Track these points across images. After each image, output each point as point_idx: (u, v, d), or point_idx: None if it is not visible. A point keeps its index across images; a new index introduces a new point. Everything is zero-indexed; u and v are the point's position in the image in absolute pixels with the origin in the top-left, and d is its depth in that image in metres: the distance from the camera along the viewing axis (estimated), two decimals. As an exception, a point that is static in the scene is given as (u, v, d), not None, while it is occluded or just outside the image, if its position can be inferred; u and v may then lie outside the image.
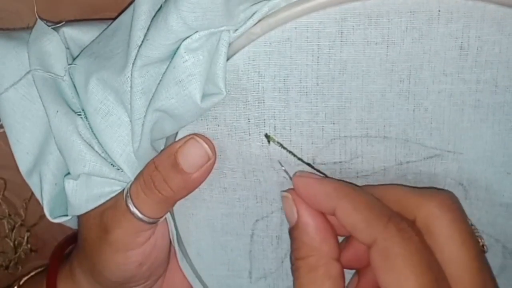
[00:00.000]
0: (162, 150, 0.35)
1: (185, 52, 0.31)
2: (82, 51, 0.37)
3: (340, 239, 0.33)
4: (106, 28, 0.38)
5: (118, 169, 0.36)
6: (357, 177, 0.34)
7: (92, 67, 0.35)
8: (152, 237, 0.37)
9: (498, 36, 0.30)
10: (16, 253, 0.50)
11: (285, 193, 0.33)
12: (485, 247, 0.32)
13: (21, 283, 0.44)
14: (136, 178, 0.36)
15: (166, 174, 0.34)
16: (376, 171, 0.34)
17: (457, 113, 0.32)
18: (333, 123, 0.33)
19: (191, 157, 0.34)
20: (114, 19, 0.37)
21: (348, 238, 0.34)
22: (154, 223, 0.36)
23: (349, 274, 0.35)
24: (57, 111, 0.35)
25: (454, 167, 0.33)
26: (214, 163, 0.35)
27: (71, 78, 0.37)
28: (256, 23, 0.31)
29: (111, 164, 0.36)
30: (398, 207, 0.31)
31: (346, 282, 0.35)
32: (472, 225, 0.32)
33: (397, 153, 0.33)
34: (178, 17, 0.29)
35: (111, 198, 0.36)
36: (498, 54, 0.31)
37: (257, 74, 0.32)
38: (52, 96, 0.36)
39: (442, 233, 0.30)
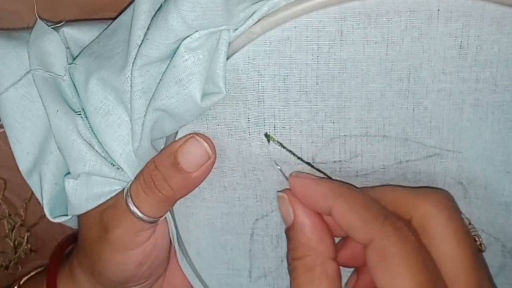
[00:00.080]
0: (162, 150, 0.35)
1: (185, 51, 0.31)
2: (82, 50, 0.37)
3: (337, 240, 0.33)
4: (106, 28, 0.38)
5: (118, 169, 0.36)
6: (357, 176, 0.34)
7: (92, 67, 0.35)
8: (152, 236, 0.37)
9: (498, 35, 0.30)
10: (16, 253, 0.50)
11: (281, 194, 0.33)
12: (482, 246, 0.32)
13: (21, 283, 0.44)
14: (136, 178, 0.36)
15: (166, 173, 0.34)
16: (375, 170, 0.34)
17: (457, 112, 0.32)
18: (333, 122, 0.33)
19: (191, 156, 0.34)
20: (114, 19, 0.38)
21: (346, 237, 0.34)
22: (154, 222, 0.36)
23: (347, 272, 0.35)
24: (57, 111, 0.36)
25: (453, 166, 0.34)
26: (214, 162, 0.35)
27: (71, 78, 0.37)
28: (256, 22, 0.31)
29: (111, 164, 0.36)
30: (394, 207, 0.31)
31: (346, 280, 0.35)
32: (469, 224, 0.32)
33: (397, 152, 0.33)
34: (178, 16, 0.29)
35: (111, 198, 0.36)
36: (497, 53, 0.31)
37: (257, 73, 0.32)
38: (52, 96, 0.36)
39: (437, 231, 0.30)
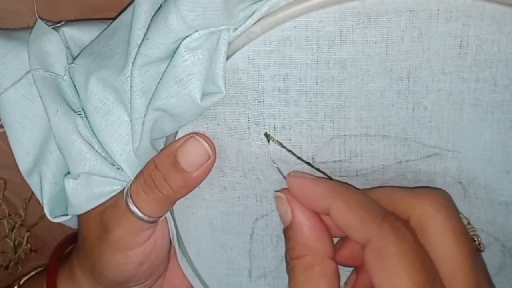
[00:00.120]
0: (162, 149, 0.35)
1: (185, 51, 0.31)
2: (82, 50, 0.37)
3: (335, 240, 0.33)
4: (106, 28, 0.38)
5: (118, 169, 0.36)
6: (357, 175, 0.34)
7: (92, 67, 0.35)
8: (152, 236, 0.37)
9: (497, 35, 0.30)
10: (16, 253, 0.50)
11: (278, 193, 0.33)
12: (481, 246, 0.32)
13: (21, 283, 0.44)
14: (136, 177, 0.36)
15: (166, 173, 0.34)
16: (375, 169, 0.34)
17: (456, 111, 0.32)
18: (333, 122, 0.33)
19: (191, 156, 0.34)
20: (114, 19, 0.38)
21: (345, 236, 0.34)
22: (154, 222, 0.36)
23: (347, 271, 0.35)
24: (57, 111, 0.36)
25: (453, 165, 0.34)
26: (214, 162, 0.35)
27: (71, 78, 0.37)
28: (256, 22, 0.31)
29: (111, 164, 0.36)
30: (392, 207, 0.31)
31: (345, 279, 0.35)
32: (468, 223, 0.32)
33: (397, 152, 0.33)
34: (178, 16, 0.29)
35: (111, 198, 0.36)
36: (497, 53, 0.31)
37: (257, 73, 0.32)
38: (52, 96, 0.36)
39: (435, 231, 0.30)
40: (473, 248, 0.30)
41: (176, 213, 0.38)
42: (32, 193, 0.39)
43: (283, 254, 0.38)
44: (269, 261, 0.39)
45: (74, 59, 0.37)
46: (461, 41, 0.30)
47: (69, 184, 0.36)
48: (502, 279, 0.37)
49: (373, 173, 0.34)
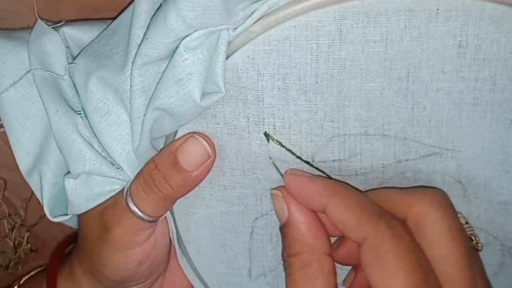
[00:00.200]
0: (162, 149, 0.35)
1: (184, 51, 0.31)
2: (82, 50, 0.37)
3: (333, 240, 0.33)
4: (106, 28, 0.38)
5: (118, 168, 0.36)
6: (356, 175, 0.34)
7: (92, 66, 0.35)
8: (152, 235, 0.37)
9: (497, 34, 0.30)
10: (16, 253, 0.50)
11: (274, 191, 0.33)
12: (479, 245, 0.32)
13: (21, 283, 0.44)
14: (136, 177, 0.36)
15: (166, 173, 0.34)
16: (375, 169, 0.34)
17: (456, 111, 0.32)
18: (332, 121, 0.33)
19: (191, 155, 0.34)
20: (114, 18, 0.38)
21: (343, 235, 0.34)
22: (154, 221, 0.36)
23: (346, 270, 0.35)
24: (57, 110, 0.36)
25: (452, 165, 0.34)
26: (213, 161, 0.35)
27: (71, 77, 0.37)
28: (255, 21, 0.31)
29: (111, 163, 0.36)
30: (389, 207, 0.31)
31: (343, 278, 0.35)
32: (466, 223, 0.32)
33: (396, 151, 0.33)
34: (178, 15, 0.29)
35: (111, 197, 0.36)
36: (496, 52, 0.31)
37: (256, 73, 0.32)
38: (52, 95, 0.36)
39: (432, 230, 0.30)
40: (469, 247, 0.30)
41: (176, 212, 0.38)
42: (32, 193, 0.39)
43: (282, 253, 0.38)
44: (269, 260, 0.39)
45: (74, 58, 0.37)
46: (460, 40, 0.31)
47: (69, 183, 0.36)
48: (502, 278, 0.37)
49: (372, 172, 0.34)
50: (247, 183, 0.36)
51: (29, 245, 0.51)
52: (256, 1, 0.31)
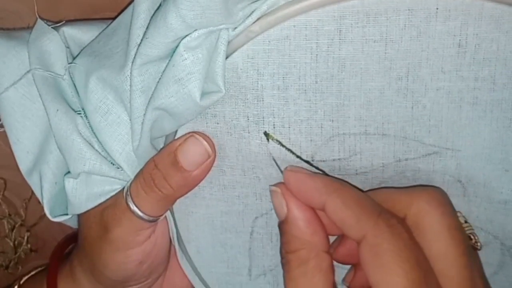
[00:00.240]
0: (161, 148, 0.35)
1: (184, 51, 0.31)
2: (82, 50, 0.37)
3: (332, 239, 0.33)
4: (106, 28, 0.38)
5: (118, 168, 0.36)
6: (356, 174, 0.34)
7: (92, 66, 0.35)
8: (152, 235, 0.37)
9: (496, 33, 0.30)
10: (16, 253, 0.50)
11: (273, 188, 0.33)
12: (478, 244, 0.32)
13: (21, 282, 0.44)
14: (136, 177, 0.36)
15: (166, 172, 0.34)
16: (375, 168, 0.34)
17: (455, 110, 0.32)
18: (332, 121, 0.33)
19: (191, 155, 0.34)
20: (114, 18, 0.38)
21: (343, 234, 0.34)
22: (154, 221, 0.36)
23: (345, 269, 0.35)
24: (57, 110, 0.36)
25: (452, 164, 0.34)
26: (213, 160, 0.35)
27: (71, 77, 0.37)
28: (255, 21, 0.31)
29: (111, 163, 0.36)
30: (388, 206, 0.31)
31: (343, 276, 0.35)
32: (466, 222, 0.32)
33: (396, 150, 0.33)
34: (177, 15, 0.29)
35: (111, 197, 0.36)
36: (496, 52, 0.31)
37: (256, 72, 0.32)
38: (52, 95, 0.36)
39: (431, 228, 0.30)
40: (468, 246, 0.30)
41: (176, 212, 0.38)
42: (32, 193, 0.39)
43: (282, 252, 0.38)
44: (269, 260, 0.39)
45: (74, 58, 0.37)
46: (460, 39, 0.31)
47: (69, 183, 0.36)
48: (502, 278, 0.37)
49: (372, 171, 0.34)
50: (247, 183, 0.36)
51: (29, 245, 0.51)
52: (256, 1, 0.31)
